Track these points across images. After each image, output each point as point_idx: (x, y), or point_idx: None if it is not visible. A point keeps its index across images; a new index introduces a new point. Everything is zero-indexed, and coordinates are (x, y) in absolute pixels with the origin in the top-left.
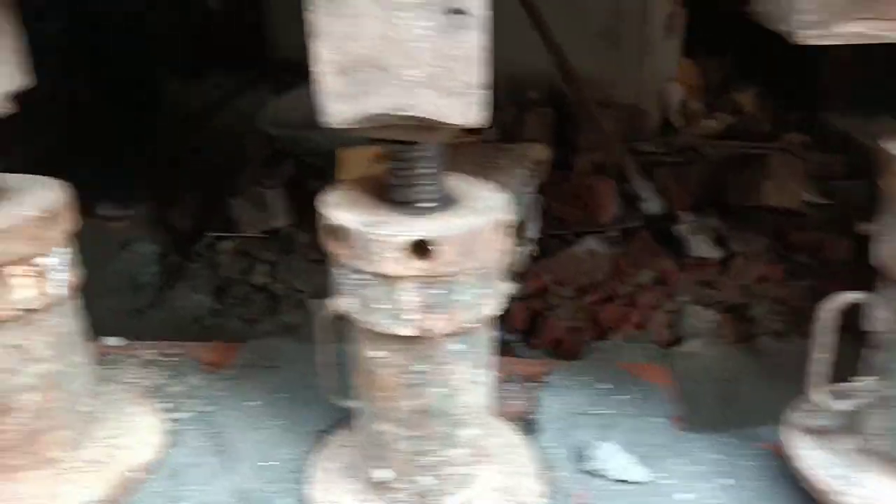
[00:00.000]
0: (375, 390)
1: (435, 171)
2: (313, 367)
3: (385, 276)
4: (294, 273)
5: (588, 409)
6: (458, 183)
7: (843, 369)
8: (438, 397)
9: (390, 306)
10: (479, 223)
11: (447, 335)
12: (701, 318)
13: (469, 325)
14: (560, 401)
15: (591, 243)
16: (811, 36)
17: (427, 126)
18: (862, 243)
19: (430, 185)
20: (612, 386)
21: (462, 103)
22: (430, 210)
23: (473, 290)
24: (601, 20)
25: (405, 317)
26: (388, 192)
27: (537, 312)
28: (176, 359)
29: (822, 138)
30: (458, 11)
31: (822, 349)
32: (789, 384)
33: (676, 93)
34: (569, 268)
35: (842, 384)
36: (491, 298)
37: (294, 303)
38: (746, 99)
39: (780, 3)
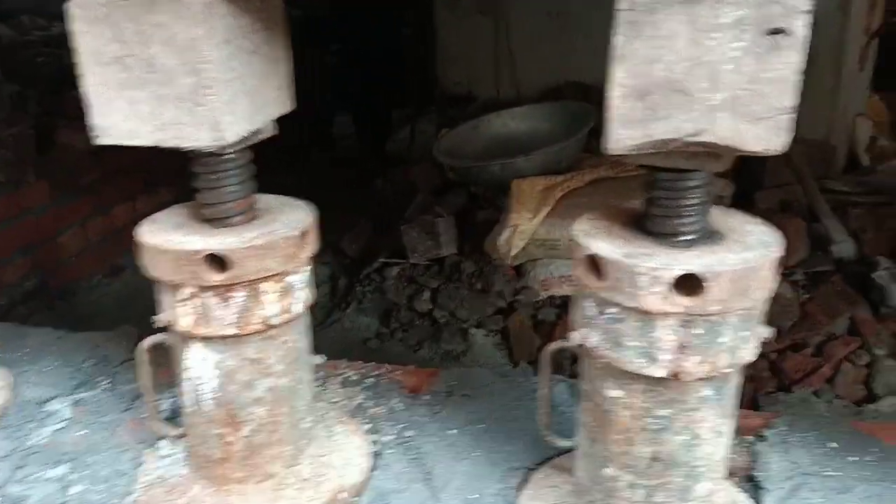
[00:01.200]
0: (611, 432)
1: (702, 201)
2: (513, 398)
3: (644, 312)
4: (456, 301)
5: (819, 470)
6: (721, 216)
7: None
8: (680, 446)
9: (644, 344)
10: (754, 259)
11: (700, 380)
12: None
13: (724, 371)
14: (784, 458)
15: (778, 286)
16: None
17: (714, 153)
18: None
19: (696, 216)
20: (839, 445)
21: (767, 128)
22: (694, 243)
23: (735, 332)
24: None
25: (659, 356)
26: (647, 223)
27: None
28: (375, 380)
29: None
30: (779, 31)
31: None
32: None
33: (865, 128)
34: None
35: None
36: (750, 342)
37: (454, 331)
38: None
39: None
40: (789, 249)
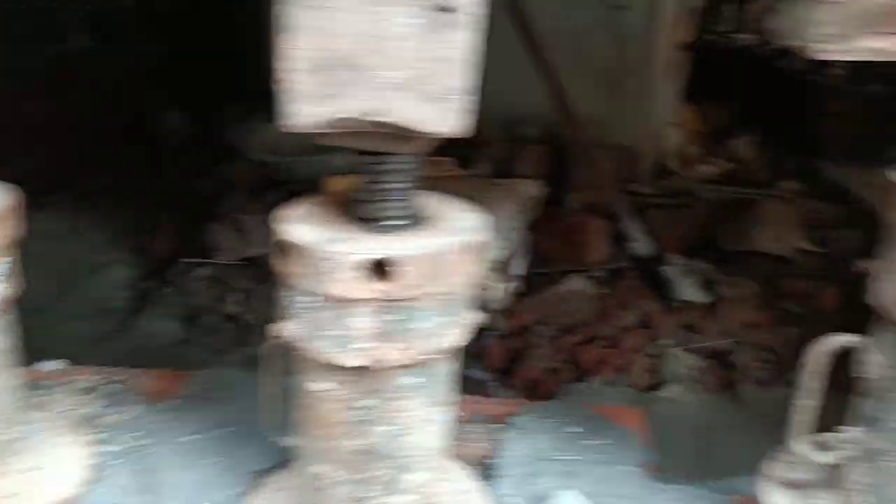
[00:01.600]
0: (316, 427)
1: (406, 186)
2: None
3: (336, 299)
4: (268, 303)
5: (553, 455)
6: (432, 202)
7: (826, 420)
8: (385, 437)
9: (340, 333)
10: (447, 244)
11: (401, 367)
12: (683, 362)
13: (427, 357)
14: (525, 444)
15: (576, 283)
16: (829, 50)
17: (402, 135)
18: (853, 293)
19: (400, 201)
20: (582, 430)
21: (442, 109)
22: (398, 229)
23: (435, 318)
24: (604, 63)
25: (355, 345)
26: (354, 209)
27: (517, 351)
28: (118, 386)
29: (817, 187)
30: (447, 9)
31: (808, 395)
32: (769, 434)
33: (674, 137)
34: (553, 307)
35: (826, 434)
36: (454, 328)
37: (265, 334)
38: (744, 146)
39: (795, 17)
40: (590, 248)
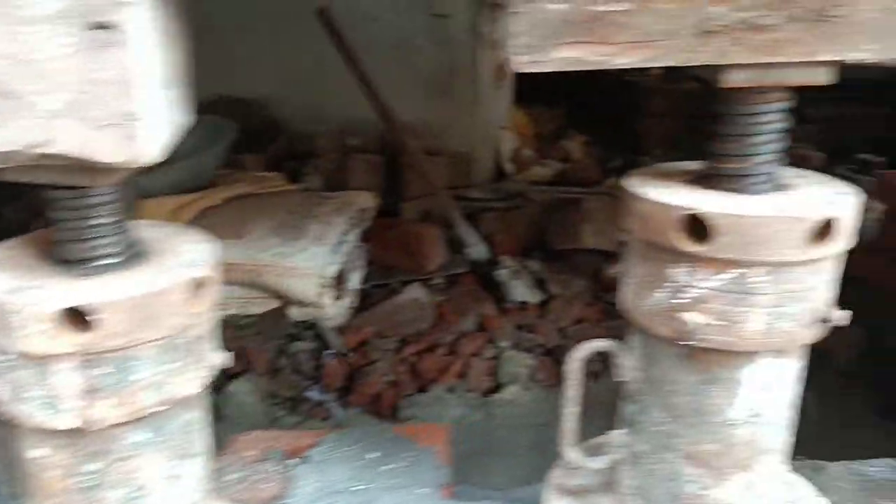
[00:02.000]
0: (42, 498)
1: (110, 221)
2: None
3: (32, 356)
4: None
5: (349, 485)
6: (155, 234)
7: None
8: (122, 502)
9: (45, 393)
10: (162, 283)
11: (124, 424)
12: (519, 363)
13: (153, 410)
14: (318, 478)
15: (414, 292)
16: (525, 63)
17: (80, 166)
18: None
19: (105, 238)
20: (381, 454)
21: (115, 136)
22: (107, 269)
23: (155, 366)
24: (432, 70)
25: (63, 406)
26: (56, 250)
27: (356, 368)
28: None
29: None
30: (104, 26)
31: (571, 402)
32: (599, 427)
33: (508, 141)
34: (392, 318)
35: (598, 438)
36: (186, 374)
37: None
38: (575, 147)
39: (502, 28)
40: (427, 256)
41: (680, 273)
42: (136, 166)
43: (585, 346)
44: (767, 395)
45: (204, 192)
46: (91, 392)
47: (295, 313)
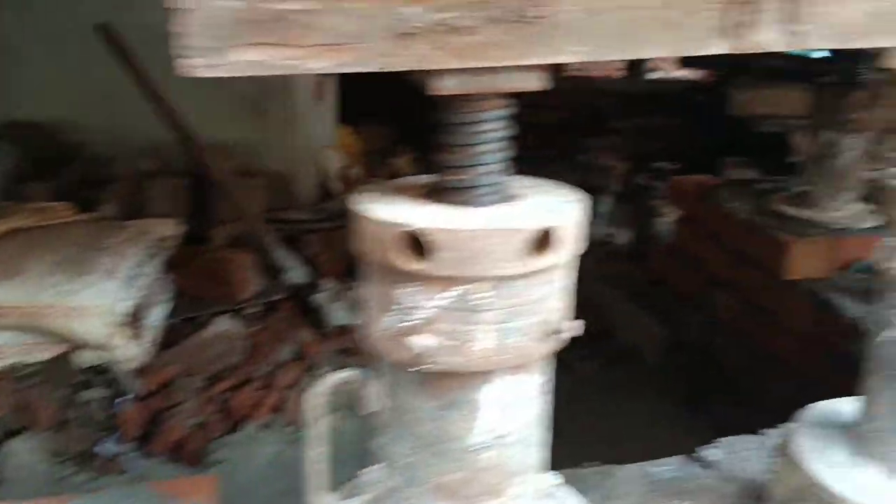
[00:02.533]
0: None
1: None
2: None
3: None
4: None
5: None
6: None
7: None
8: None
9: None
10: None
11: None
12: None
13: None
14: None
15: (224, 323)
16: (199, 67)
17: None
18: None
19: None
20: None
21: None
22: None
23: None
24: (242, 88)
25: None
26: None
27: (159, 412)
28: None
29: None
30: None
31: (316, 443)
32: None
33: (332, 159)
34: (200, 354)
35: (355, 479)
36: None
37: None
38: (403, 163)
39: (172, 28)
40: (240, 284)
41: (405, 294)
42: None
43: (328, 378)
44: (509, 415)
45: None
46: None
47: (85, 358)
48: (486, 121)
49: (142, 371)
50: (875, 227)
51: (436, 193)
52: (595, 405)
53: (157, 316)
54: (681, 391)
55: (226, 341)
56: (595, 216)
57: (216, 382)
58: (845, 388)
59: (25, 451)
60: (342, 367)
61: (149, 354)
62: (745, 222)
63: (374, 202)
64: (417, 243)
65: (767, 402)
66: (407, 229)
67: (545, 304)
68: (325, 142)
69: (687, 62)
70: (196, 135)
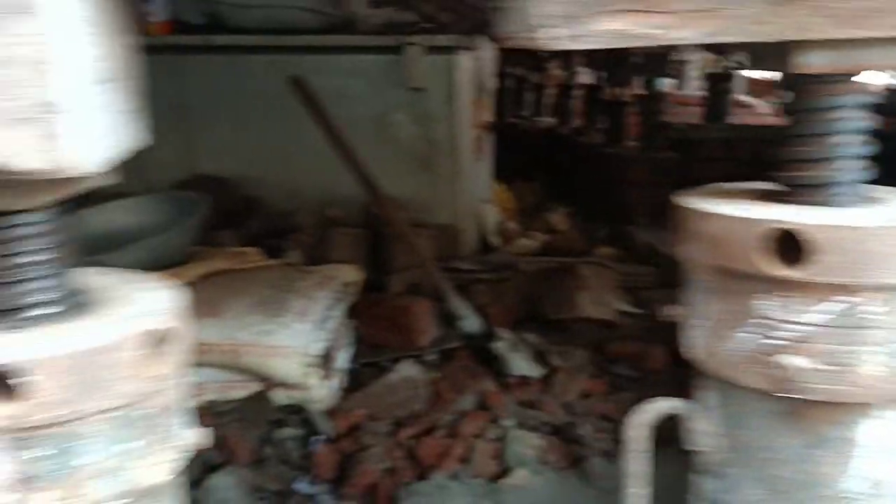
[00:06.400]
0: None
1: (43, 258)
2: None
3: None
4: None
5: None
6: (103, 281)
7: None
8: None
9: None
10: (112, 336)
11: None
12: (526, 443)
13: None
14: None
15: (407, 369)
16: (559, 37)
17: (16, 181)
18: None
19: (38, 280)
20: None
21: (32, 135)
22: (40, 320)
23: (109, 445)
24: (414, 146)
25: None
26: None
27: (349, 455)
28: None
29: (629, 251)
30: None
31: (636, 481)
32: None
33: (491, 213)
34: (384, 399)
35: None
36: (149, 457)
37: None
38: (559, 218)
39: (519, 8)
40: (418, 331)
41: (771, 306)
42: (63, 177)
43: (648, 406)
44: (891, 459)
45: (175, 269)
46: (25, 482)
47: (279, 397)
48: (851, 107)
49: (331, 413)
50: None
51: (778, 195)
52: None
53: (343, 359)
54: None
55: (409, 387)
56: None
57: (401, 428)
58: None
59: (226, 486)
60: (526, 419)
61: (337, 397)
62: None
63: (715, 201)
64: (789, 245)
65: None
66: (780, 226)
67: None
68: (483, 197)
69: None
70: (378, 186)
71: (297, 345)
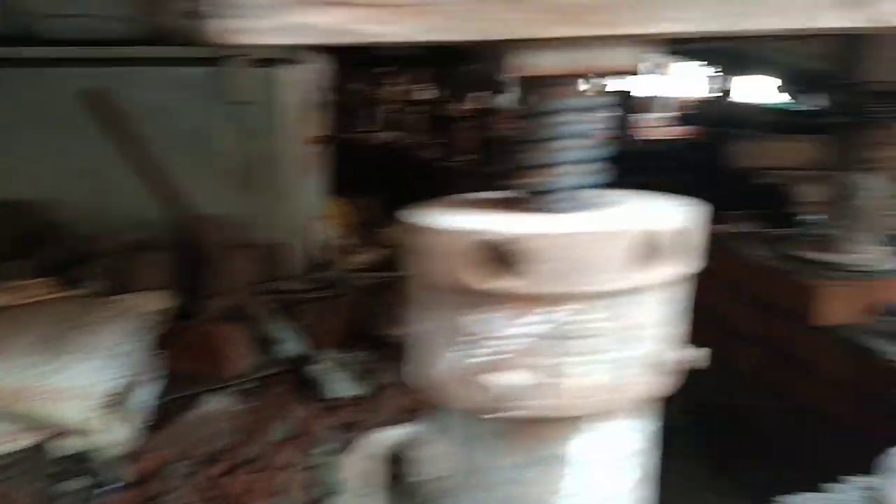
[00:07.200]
0: None
1: None
2: None
3: None
4: None
5: None
6: None
7: None
8: None
9: None
10: None
11: None
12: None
13: None
14: None
15: (218, 401)
16: (249, 29)
17: None
18: None
19: None
20: None
21: None
22: None
23: None
24: (231, 163)
25: None
26: None
27: (153, 499)
28: None
29: None
30: None
31: None
32: None
33: (324, 230)
34: (192, 436)
35: None
36: None
37: None
38: (394, 232)
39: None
40: (233, 358)
41: (479, 320)
42: None
43: (373, 437)
44: (604, 474)
45: None
46: None
47: (64, 445)
48: (573, 110)
49: (132, 456)
50: None
51: (512, 203)
52: None
53: (145, 396)
54: (711, 454)
55: (221, 420)
56: None
57: (211, 465)
58: (893, 435)
59: None
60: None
61: (137, 438)
62: (766, 270)
63: (439, 213)
64: (497, 256)
65: (803, 456)
66: (485, 238)
67: (658, 329)
68: (315, 213)
69: (687, 120)
70: (186, 207)
71: (80, 386)
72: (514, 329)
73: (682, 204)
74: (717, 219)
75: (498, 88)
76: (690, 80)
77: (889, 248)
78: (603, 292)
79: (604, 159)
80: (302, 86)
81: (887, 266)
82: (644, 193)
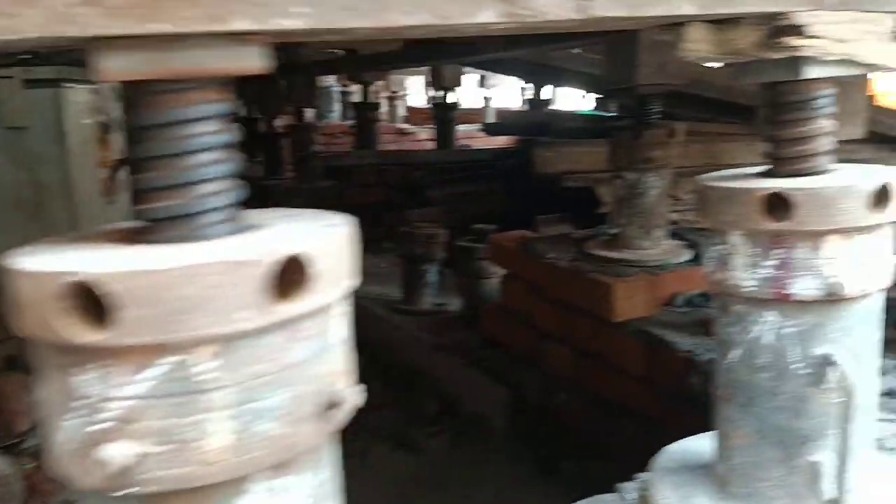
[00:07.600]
0: None
1: None
2: None
3: None
4: None
5: None
6: None
7: None
8: None
9: None
10: None
11: None
12: None
13: None
14: None
15: (4, 461)
16: None
17: None
18: None
19: None
20: None
21: None
22: None
23: None
24: (18, 193)
25: None
26: None
27: None
28: None
29: None
30: None
31: None
32: None
33: None
34: None
35: None
36: None
37: None
38: None
39: None
40: (14, 413)
41: (85, 381)
42: None
43: None
44: None
45: None
46: None
47: None
48: (191, 120)
49: None
50: (689, 261)
51: (135, 234)
52: (446, 483)
53: None
54: (531, 454)
55: (0, 484)
56: (425, 287)
57: None
58: (694, 425)
59: None
60: None
61: None
62: (565, 271)
63: (38, 252)
64: (92, 301)
65: (617, 452)
66: (72, 279)
67: (310, 369)
68: None
69: (492, 130)
70: None
71: None
72: (128, 388)
73: (334, 221)
74: (529, 224)
75: (310, 103)
76: (512, 92)
77: (677, 242)
78: (221, 335)
79: (236, 177)
80: (92, 107)
81: (676, 259)
82: (291, 213)
